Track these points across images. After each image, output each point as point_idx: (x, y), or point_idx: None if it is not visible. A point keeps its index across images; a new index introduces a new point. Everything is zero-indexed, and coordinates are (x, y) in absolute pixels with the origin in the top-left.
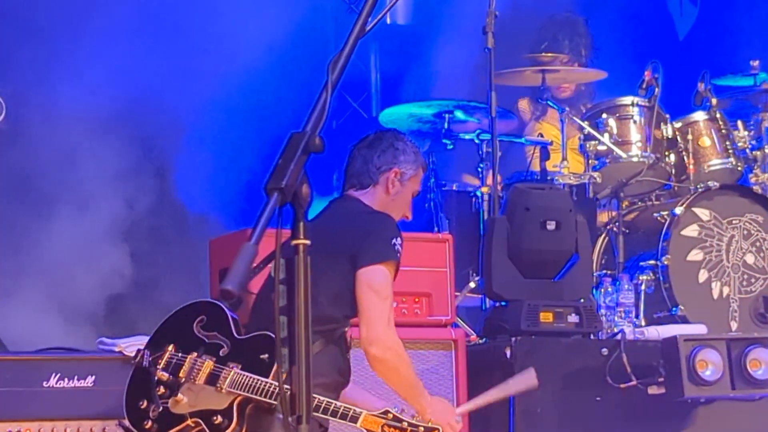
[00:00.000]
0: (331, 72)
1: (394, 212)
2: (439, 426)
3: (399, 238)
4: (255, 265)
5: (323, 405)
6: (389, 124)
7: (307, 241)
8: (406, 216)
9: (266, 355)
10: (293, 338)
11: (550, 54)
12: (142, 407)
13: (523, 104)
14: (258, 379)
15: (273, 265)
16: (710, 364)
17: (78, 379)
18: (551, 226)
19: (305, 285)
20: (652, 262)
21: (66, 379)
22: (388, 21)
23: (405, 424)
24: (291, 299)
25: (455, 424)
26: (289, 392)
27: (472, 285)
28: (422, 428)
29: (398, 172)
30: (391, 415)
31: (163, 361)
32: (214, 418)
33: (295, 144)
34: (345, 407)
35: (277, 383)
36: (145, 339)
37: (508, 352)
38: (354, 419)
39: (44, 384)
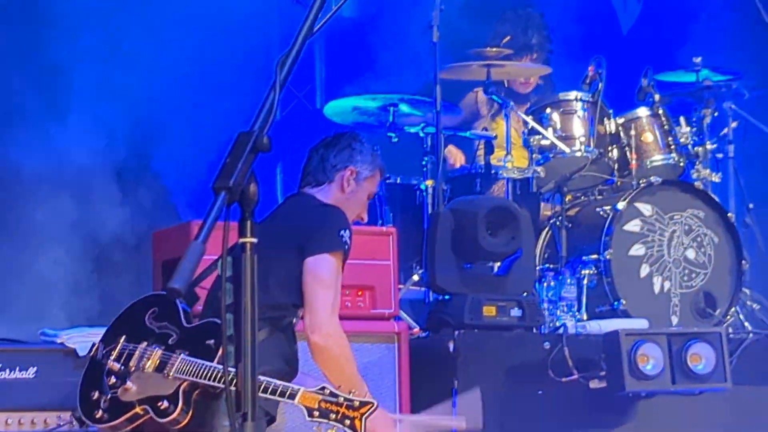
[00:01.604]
0: (279, 71)
1: (348, 211)
2: (374, 401)
3: (347, 231)
4: (205, 268)
5: (261, 385)
6: (334, 116)
7: (254, 240)
8: (361, 217)
9: (212, 341)
10: (239, 336)
11: (495, 49)
12: (94, 398)
13: (481, 96)
14: (203, 364)
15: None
16: (651, 359)
17: (20, 370)
18: (495, 233)
19: (252, 283)
20: (594, 256)
21: (8, 371)
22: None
23: (341, 399)
24: (237, 297)
25: None
26: (234, 391)
27: (415, 278)
28: (357, 402)
29: (354, 171)
30: (327, 391)
31: (116, 352)
32: (160, 403)
33: (242, 143)
34: (283, 385)
35: (221, 366)
36: (87, 331)
37: (451, 346)
38: (292, 396)
39: None
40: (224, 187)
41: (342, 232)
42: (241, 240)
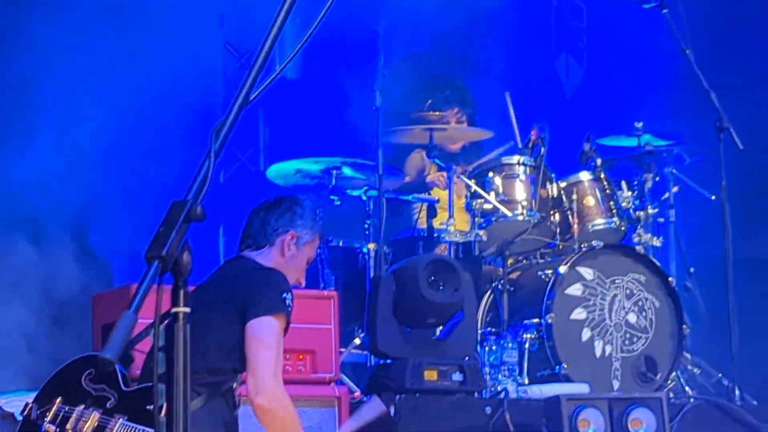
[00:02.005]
0: (214, 140)
1: (288, 276)
2: None
3: (289, 293)
4: (139, 332)
5: None
6: (277, 179)
7: (187, 309)
8: (299, 282)
9: (152, 407)
10: (171, 407)
11: (437, 113)
12: None
13: (420, 158)
14: (144, 430)
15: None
16: (592, 424)
17: None
18: (437, 286)
19: (184, 355)
20: (536, 320)
21: None
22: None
23: None
24: (170, 367)
25: None
26: None
27: (357, 341)
28: None
29: (294, 236)
30: None
31: (51, 413)
32: None
33: (176, 212)
34: None
35: None
36: (26, 395)
37: (392, 410)
38: None
39: None
40: (157, 256)
41: (284, 294)
42: (174, 309)
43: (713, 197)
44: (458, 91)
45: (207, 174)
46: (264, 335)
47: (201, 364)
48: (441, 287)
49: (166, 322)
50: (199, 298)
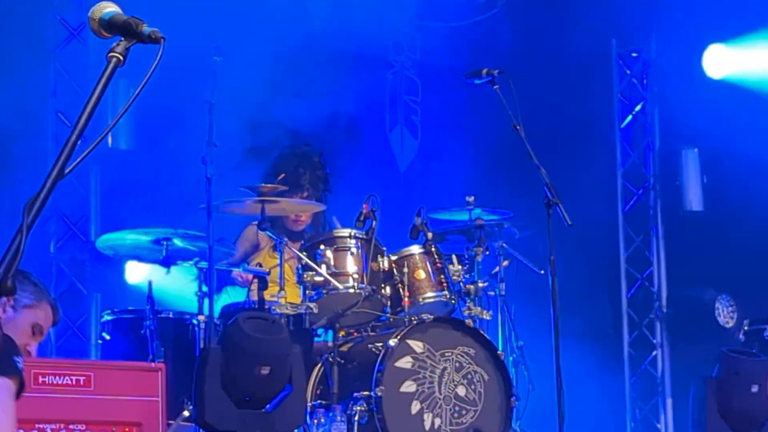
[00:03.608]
0: (27, 214)
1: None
2: None
3: (20, 358)
4: None
5: None
6: (107, 249)
7: None
8: (27, 350)
9: None
10: None
11: (269, 185)
12: None
13: (254, 231)
14: None
15: None
16: None
17: None
18: (266, 369)
19: None
20: (365, 393)
21: None
22: (110, 144)
23: None
24: None
25: None
26: None
27: (186, 414)
28: None
29: (11, 297)
30: None
31: None
32: None
33: None
34: None
35: None
36: None
37: None
38: None
39: None
40: None
41: (15, 358)
42: None
43: (543, 272)
44: (316, 170)
45: (18, 248)
46: None
47: None
48: (268, 372)
49: None
50: None
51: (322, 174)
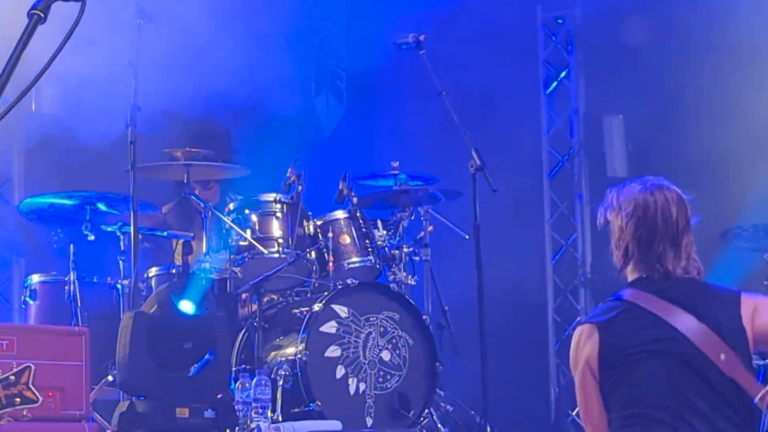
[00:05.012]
0: None
1: None
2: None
3: None
4: None
5: None
6: (30, 214)
7: None
8: None
9: None
10: None
11: (194, 149)
12: None
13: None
14: None
15: None
16: None
17: None
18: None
19: None
20: (290, 357)
21: None
22: (33, 108)
23: None
24: None
25: None
26: None
27: (110, 378)
28: (12, 376)
29: None
30: None
31: None
32: None
33: None
34: None
35: None
36: None
37: None
38: None
39: None
40: None
41: None
42: None
43: (467, 237)
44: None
45: None
46: None
47: None
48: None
49: None
50: None
51: (227, 141)
